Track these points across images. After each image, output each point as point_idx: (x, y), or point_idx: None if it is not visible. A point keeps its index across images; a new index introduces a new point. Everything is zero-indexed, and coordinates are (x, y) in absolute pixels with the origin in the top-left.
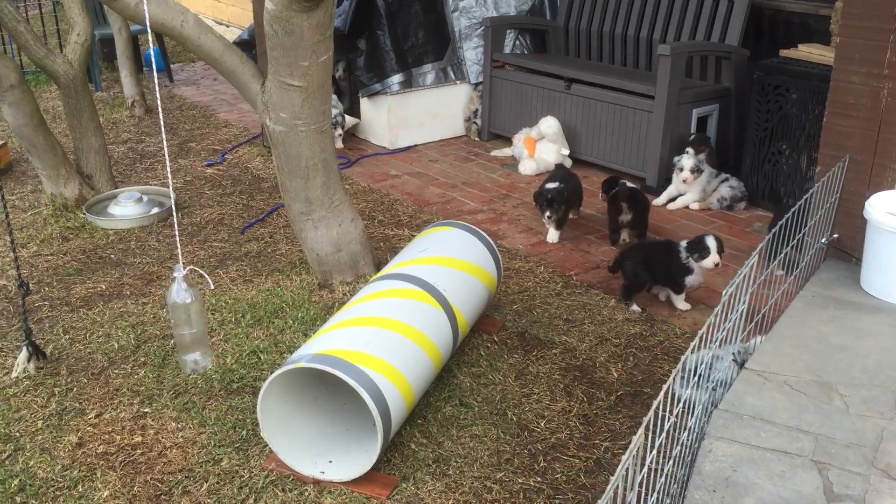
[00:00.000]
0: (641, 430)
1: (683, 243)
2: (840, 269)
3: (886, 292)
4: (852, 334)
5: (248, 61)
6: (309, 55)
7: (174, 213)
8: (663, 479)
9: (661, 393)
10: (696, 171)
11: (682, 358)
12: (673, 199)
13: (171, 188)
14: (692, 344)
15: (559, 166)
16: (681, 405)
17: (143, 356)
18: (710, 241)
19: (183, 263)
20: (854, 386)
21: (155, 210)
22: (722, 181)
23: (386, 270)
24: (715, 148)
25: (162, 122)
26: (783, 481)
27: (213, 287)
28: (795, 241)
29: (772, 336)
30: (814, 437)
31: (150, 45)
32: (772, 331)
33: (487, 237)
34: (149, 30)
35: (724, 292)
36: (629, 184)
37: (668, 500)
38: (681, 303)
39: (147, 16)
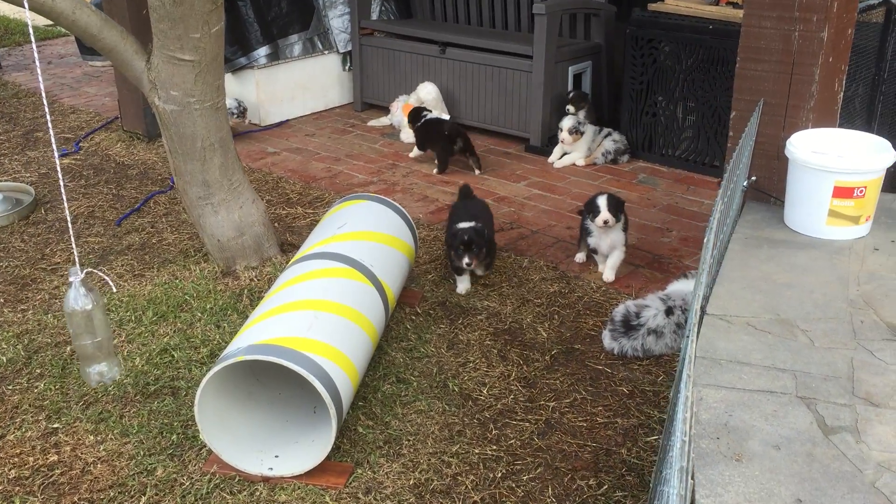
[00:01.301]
0: (689, 385)
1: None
2: (762, 210)
3: (813, 228)
4: (793, 271)
5: (130, 36)
6: (200, 26)
7: (66, 212)
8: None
9: (688, 346)
10: (576, 132)
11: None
12: (561, 157)
13: (61, 180)
14: (699, 283)
15: (462, 196)
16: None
17: (38, 368)
18: (601, 200)
19: (80, 266)
20: (811, 321)
21: (12, 208)
22: (605, 136)
23: (306, 250)
24: (591, 103)
25: (43, 94)
26: (778, 420)
27: (115, 290)
28: (731, 189)
29: (721, 280)
30: (791, 373)
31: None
32: (719, 274)
33: (401, 207)
34: (27, 8)
35: (705, 239)
36: (434, 114)
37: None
38: (607, 272)
39: None
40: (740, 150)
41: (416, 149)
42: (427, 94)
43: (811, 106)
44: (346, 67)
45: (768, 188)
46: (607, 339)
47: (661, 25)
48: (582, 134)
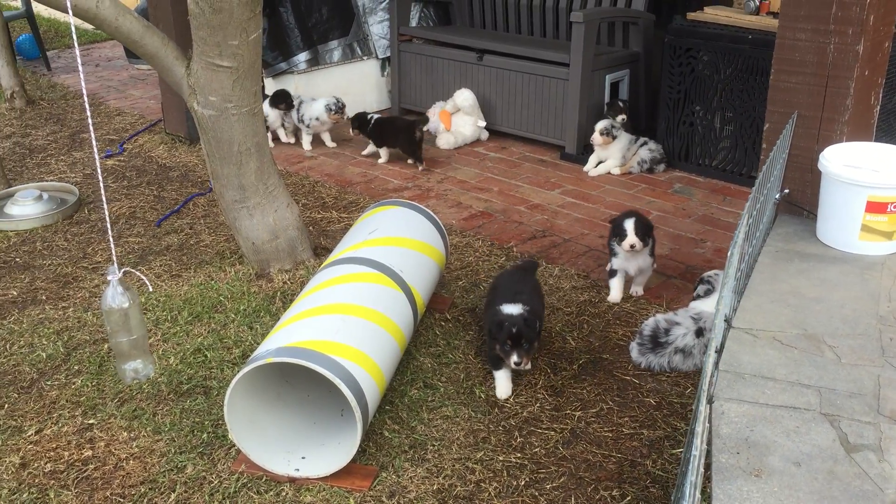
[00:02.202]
0: (704, 400)
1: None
2: (794, 223)
3: (845, 242)
4: (823, 286)
5: (171, 43)
6: (239, 33)
7: (105, 211)
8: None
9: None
10: (608, 133)
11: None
12: (596, 166)
13: (101, 182)
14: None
15: (516, 269)
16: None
17: (77, 364)
18: (628, 224)
19: (118, 265)
20: (839, 337)
21: (56, 207)
22: (641, 145)
23: (338, 254)
24: (628, 112)
25: (87, 105)
26: (799, 436)
27: (151, 289)
28: (761, 200)
29: (749, 293)
30: (816, 390)
31: (73, 33)
32: (748, 288)
33: (432, 214)
34: (70, 14)
35: (729, 252)
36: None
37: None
38: (634, 287)
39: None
40: (771, 162)
41: (371, 146)
42: (464, 100)
43: (846, 119)
44: (385, 73)
45: (801, 201)
46: (635, 353)
47: (700, 34)
48: (614, 137)
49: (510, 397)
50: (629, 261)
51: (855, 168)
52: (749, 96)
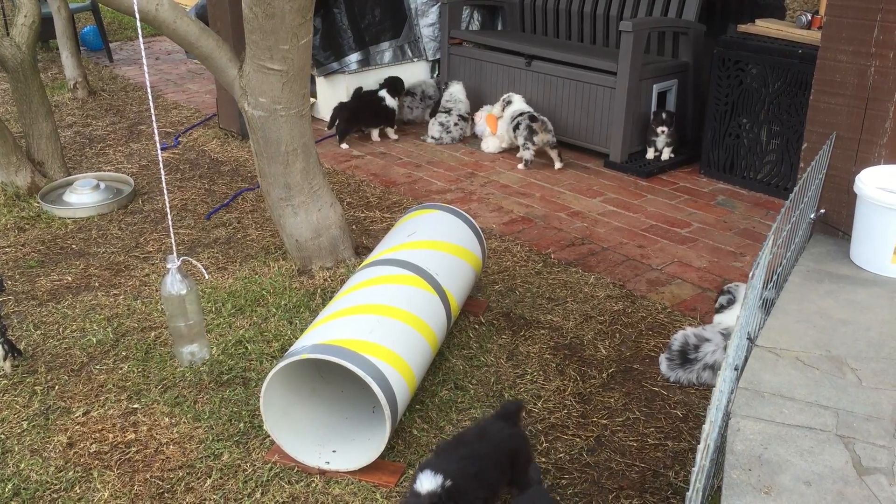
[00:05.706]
0: (708, 422)
1: None
2: (829, 244)
3: (877, 265)
4: (851, 308)
5: (225, 45)
6: (290, 38)
7: (167, 204)
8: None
9: (722, 373)
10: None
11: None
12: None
13: (163, 175)
14: (751, 288)
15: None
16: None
17: (125, 350)
18: None
19: (176, 253)
20: (863, 359)
21: (112, 197)
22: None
23: (376, 255)
24: (674, 122)
25: (151, 101)
26: (813, 457)
27: (207, 276)
28: (794, 219)
29: (776, 312)
30: (834, 411)
31: (139, 29)
32: (774, 307)
33: (471, 218)
34: (137, 19)
35: (751, 271)
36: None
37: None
38: None
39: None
40: (806, 181)
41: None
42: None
43: (884, 142)
44: (434, 75)
45: (837, 222)
46: (664, 366)
47: (749, 47)
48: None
49: None
50: None
51: (890, 192)
52: (797, 111)
